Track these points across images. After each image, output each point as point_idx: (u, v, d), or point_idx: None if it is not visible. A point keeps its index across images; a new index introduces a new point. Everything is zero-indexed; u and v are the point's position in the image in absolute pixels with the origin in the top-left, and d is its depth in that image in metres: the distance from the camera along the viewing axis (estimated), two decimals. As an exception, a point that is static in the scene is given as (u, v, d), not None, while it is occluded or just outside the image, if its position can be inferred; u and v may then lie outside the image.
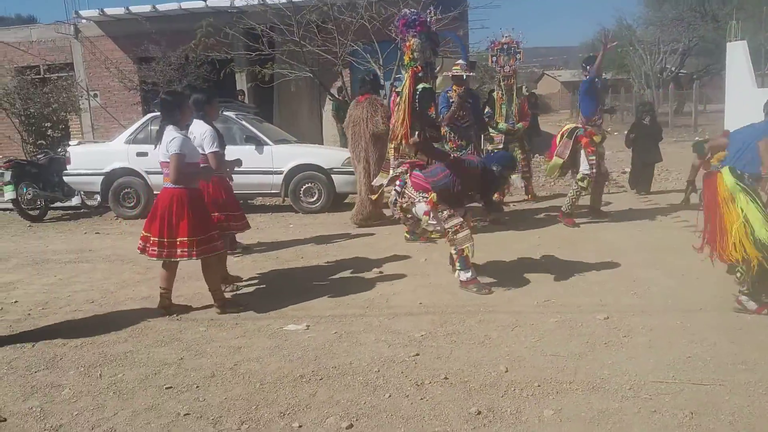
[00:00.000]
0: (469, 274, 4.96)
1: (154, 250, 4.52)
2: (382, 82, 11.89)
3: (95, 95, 15.30)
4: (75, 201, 10.16)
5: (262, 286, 5.47)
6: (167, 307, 4.75)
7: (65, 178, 9.53)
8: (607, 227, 7.10)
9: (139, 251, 4.69)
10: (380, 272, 5.66)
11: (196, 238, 4.50)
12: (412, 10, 7.10)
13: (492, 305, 4.59)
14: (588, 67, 7.20)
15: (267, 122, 11.11)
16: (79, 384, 3.56)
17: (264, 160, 8.95)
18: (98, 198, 9.75)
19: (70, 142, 10.67)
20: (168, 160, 4.47)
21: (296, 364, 3.71)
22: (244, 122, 9.29)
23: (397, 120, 6.83)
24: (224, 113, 9.32)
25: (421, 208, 4.96)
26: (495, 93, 8.67)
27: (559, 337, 3.96)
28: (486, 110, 8.37)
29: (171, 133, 4.49)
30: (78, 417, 3.18)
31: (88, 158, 9.50)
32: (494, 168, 5.05)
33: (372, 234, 7.40)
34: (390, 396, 3.26)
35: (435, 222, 4.93)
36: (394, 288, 5.14)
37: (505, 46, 8.41)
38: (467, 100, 7.24)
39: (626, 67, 29.59)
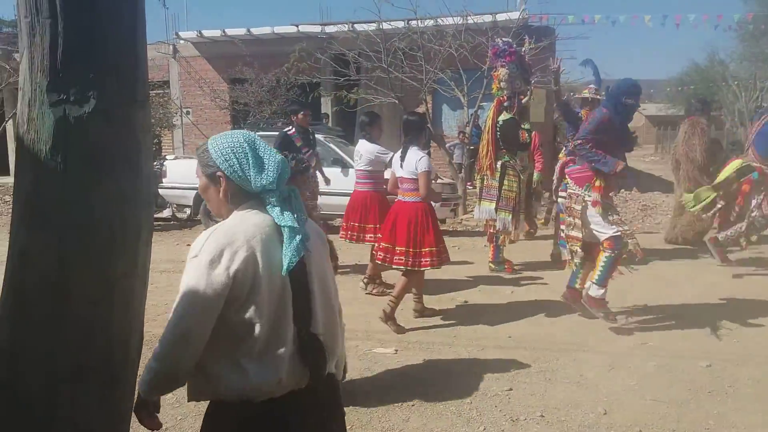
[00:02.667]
0: (601, 292, 4.70)
1: (401, 259, 4.84)
2: (465, 108, 12.00)
3: (188, 112, 16.08)
4: (166, 213, 10.66)
5: (348, 306, 5.53)
6: (420, 311, 5.17)
7: (160, 191, 10.01)
8: (707, 270, 6.77)
9: (379, 262, 5.07)
10: (465, 302, 5.63)
11: (438, 248, 4.84)
12: (505, 39, 7.13)
13: (586, 344, 4.47)
14: None
15: (351, 145, 11.34)
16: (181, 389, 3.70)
17: (349, 183, 9.10)
18: (188, 211, 10.19)
19: (167, 156, 11.23)
20: (411, 177, 4.85)
21: (387, 388, 3.73)
22: (331, 145, 9.52)
23: (481, 151, 6.85)
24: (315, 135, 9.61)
25: (591, 214, 4.73)
26: None
27: (659, 382, 3.81)
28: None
29: (417, 152, 4.86)
30: (181, 422, 3.31)
31: (183, 172, 9.95)
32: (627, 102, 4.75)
33: (454, 262, 7.37)
34: (485, 429, 3.24)
35: (599, 219, 4.67)
36: (481, 319, 5.09)
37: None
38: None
39: (717, 103, 28.42)
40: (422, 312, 5.17)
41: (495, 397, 3.60)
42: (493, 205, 6.51)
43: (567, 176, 4.96)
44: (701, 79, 31.81)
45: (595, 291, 4.70)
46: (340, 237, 6.12)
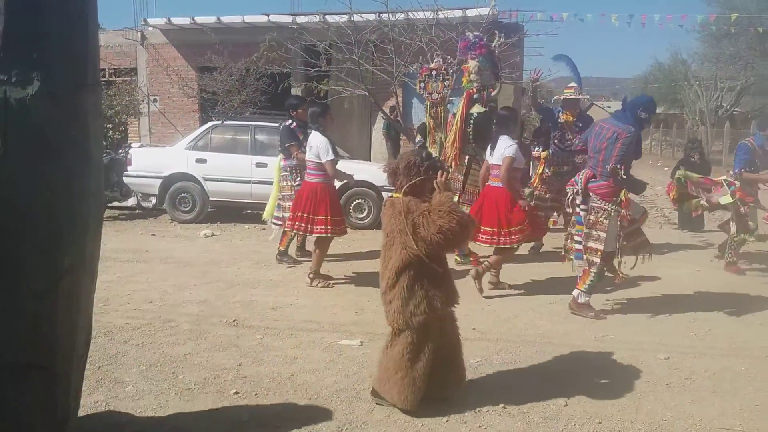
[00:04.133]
0: (588, 299, 4.98)
1: (488, 239, 5.44)
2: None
3: (155, 100, 15.78)
4: (131, 202, 10.46)
5: (315, 298, 5.52)
6: (496, 284, 5.72)
7: (125, 179, 9.82)
8: (666, 264, 6.92)
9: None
10: (432, 294, 5.65)
11: (520, 226, 5.39)
12: (476, 33, 7.16)
13: (549, 337, 4.53)
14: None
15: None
16: (142, 382, 3.65)
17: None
18: (153, 200, 10.02)
19: (132, 144, 11.01)
20: (499, 164, 5.42)
21: (352, 380, 3.73)
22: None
23: (447, 142, 6.89)
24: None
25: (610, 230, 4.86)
26: (428, 121, 8.33)
27: (618, 374, 3.88)
28: (418, 139, 8.19)
29: (507, 140, 5.46)
30: (141, 414, 3.26)
31: (149, 161, 9.79)
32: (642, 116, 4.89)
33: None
34: (447, 420, 3.25)
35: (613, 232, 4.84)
36: (446, 311, 5.11)
37: (434, 72, 8.07)
38: (577, 124, 7.15)
39: (680, 102, 29.05)
40: (497, 285, 5.72)
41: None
42: (455, 198, 6.53)
43: (591, 191, 4.93)
44: (665, 78, 32.46)
45: (583, 298, 4.98)
46: (286, 228, 6.15)
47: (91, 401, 3.38)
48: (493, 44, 7.03)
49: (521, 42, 13.38)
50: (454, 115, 6.94)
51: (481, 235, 5.45)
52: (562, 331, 4.67)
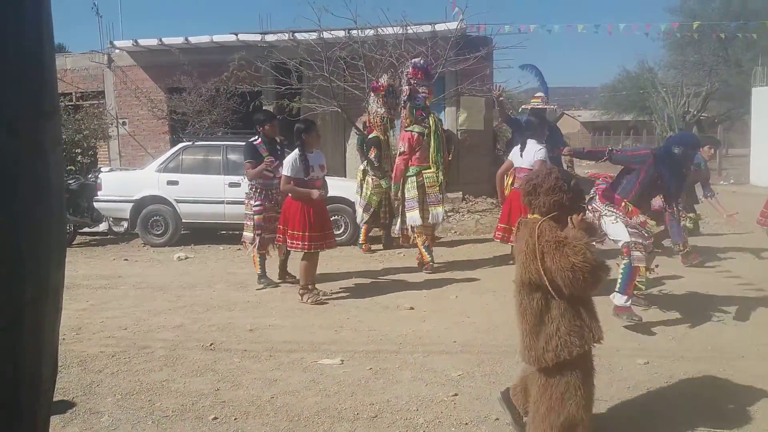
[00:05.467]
0: (625, 299, 4.82)
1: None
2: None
3: (124, 123, 15.59)
4: (102, 227, 10.28)
5: (293, 317, 5.46)
6: None
7: (95, 204, 9.66)
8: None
9: (498, 240, 6.51)
10: (411, 308, 5.63)
11: None
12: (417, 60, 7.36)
13: (528, 346, 4.53)
14: None
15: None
16: (118, 411, 3.56)
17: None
18: (125, 224, 9.86)
19: (102, 168, 10.85)
20: (529, 167, 5.81)
21: (333, 400, 3.68)
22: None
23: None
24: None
25: (613, 227, 4.87)
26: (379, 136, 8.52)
27: (599, 380, 3.86)
28: (374, 153, 8.31)
29: (536, 145, 5.97)
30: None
31: (119, 185, 9.65)
32: (675, 151, 4.86)
33: (400, 269, 7.39)
34: (431, 436, 3.22)
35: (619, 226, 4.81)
36: (426, 325, 5.10)
37: (383, 90, 8.22)
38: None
39: (648, 109, 29.63)
40: None
41: (441, 403, 3.60)
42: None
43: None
44: (632, 86, 33.12)
45: (619, 299, 4.82)
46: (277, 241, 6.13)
47: (64, 435, 3.28)
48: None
49: (490, 55, 13.53)
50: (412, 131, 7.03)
51: (508, 236, 5.92)
52: (542, 341, 4.67)
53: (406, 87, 7.14)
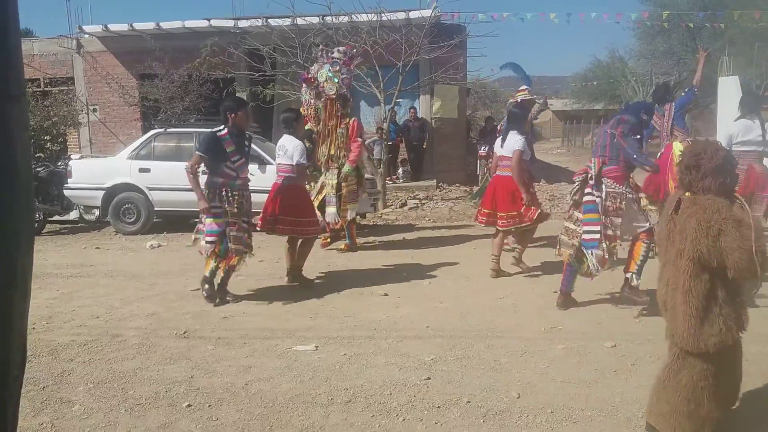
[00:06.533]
0: (638, 281, 4.94)
1: (507, 222, 6.00)
2: (382, 104, 12.10)
3: (95, 110, 15.32)
4: (73, 215, 10.13)
5: (267, 304, 5.46)
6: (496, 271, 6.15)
7: (65, 192, 9.50)
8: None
9: (482, 224, 6.44)
10: (385, 294, 5.68)
11: (510, 213, 6.02)
12: (341, 49, 7.43)
13: (499, 331, 4.61)
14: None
15: (269, 142, 11.18)
16: (90, 400, 3.54)
17: (267, 180, 8.97)
18: (96, 212, 9.72)
19: (72, 156, 10.66)
20: (509, 156, 5.96)
21: (308, 385, 3.71)
22: (247, 141, 9.32)
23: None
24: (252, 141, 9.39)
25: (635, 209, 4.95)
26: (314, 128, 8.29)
27: (568, 363, 3.99)
28: (307, 145, 8.31)
29: (516, 135, 6.01)
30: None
31: (90, 172, 9.50)
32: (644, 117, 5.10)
33: (373, 256, 7.43)
34: (404, 420, 3.27)
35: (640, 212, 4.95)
36: (400, 311, 5.15)
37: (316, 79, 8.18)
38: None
39: (619, 98, 30.03)
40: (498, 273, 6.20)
41: (414, 386, 3.65)
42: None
43: (604, 176, 4.90)
44: (603, 75, 33.47)
45: (635, 280, 4.93)
46: (258, 227, 5.99)
47: (35, 423, 3.26)
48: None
49: (464, 43, 13.57)
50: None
51: (500, 221, 6.05)
52: (513, 325, 4.76)
53: (348, 78, 7.46)
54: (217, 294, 5.47)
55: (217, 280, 5.48)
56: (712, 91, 17.83)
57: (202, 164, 5.38)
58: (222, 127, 5.36)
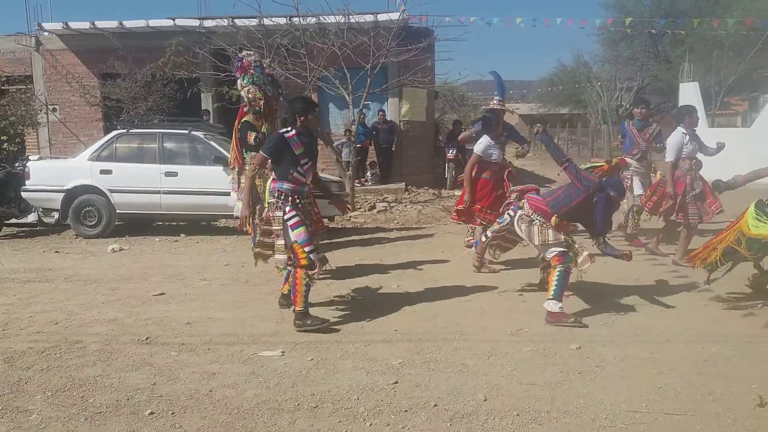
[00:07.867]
0: (559, 306, 4.82)
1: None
2: (350, 107, 12.07)
3: (54, 109, 14.95)
4: (31, 218, 9.85)
5: (232, 310, 5.38)
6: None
7: (23, 194, 9.23)
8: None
9: (454, 221, 7.60)
10: (352, 298, 5.65)
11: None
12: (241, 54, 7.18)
13: (466, 333, 4.63)
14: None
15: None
16: (48, 409, 3.43)
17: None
18: (56, 215, 9.47)
19: (30, 157, 10.36)
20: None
21: (274, 392, 3.66)
22: (212, 143, 9.21)
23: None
24: (192, 133, 9.25)
25: (535, 231, 5.04)
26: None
27: (534, 366, 4.02)
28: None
29: (486, 139, 6.88)
30: None
31: (49, 174, 9.25)
32: (611, 194, 5.00)
33: (341, 259, 7.39)
34: (371, 425, 3.25)
35: (553, 242, 4.98)
36: (367, 314, 5.13)
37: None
38: (503, 133, 7.39)
39: (583, 103, 30.58)
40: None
41: (381, 391, 3.64)
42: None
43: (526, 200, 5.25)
44: (569, 80, 34.03)
45: (553, 306, 4.83)
46: (237, 227, 5.85)
47: (-11, 435, 3.15)
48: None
49: (432, 46, 13.65)
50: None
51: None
52: (480, 327, 4.78)
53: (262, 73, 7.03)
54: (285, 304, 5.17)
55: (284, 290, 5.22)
56: (673, 96, 18.27)
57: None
58: (290, 128, 4.96)
